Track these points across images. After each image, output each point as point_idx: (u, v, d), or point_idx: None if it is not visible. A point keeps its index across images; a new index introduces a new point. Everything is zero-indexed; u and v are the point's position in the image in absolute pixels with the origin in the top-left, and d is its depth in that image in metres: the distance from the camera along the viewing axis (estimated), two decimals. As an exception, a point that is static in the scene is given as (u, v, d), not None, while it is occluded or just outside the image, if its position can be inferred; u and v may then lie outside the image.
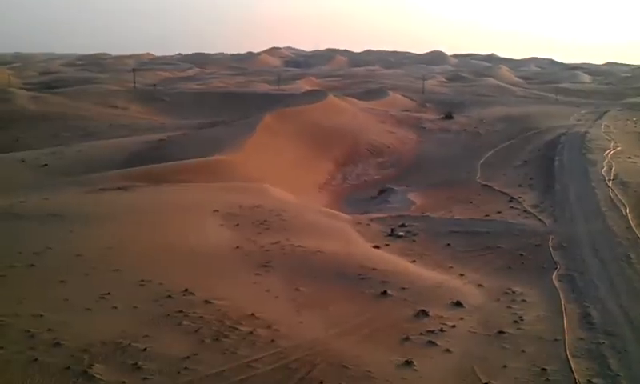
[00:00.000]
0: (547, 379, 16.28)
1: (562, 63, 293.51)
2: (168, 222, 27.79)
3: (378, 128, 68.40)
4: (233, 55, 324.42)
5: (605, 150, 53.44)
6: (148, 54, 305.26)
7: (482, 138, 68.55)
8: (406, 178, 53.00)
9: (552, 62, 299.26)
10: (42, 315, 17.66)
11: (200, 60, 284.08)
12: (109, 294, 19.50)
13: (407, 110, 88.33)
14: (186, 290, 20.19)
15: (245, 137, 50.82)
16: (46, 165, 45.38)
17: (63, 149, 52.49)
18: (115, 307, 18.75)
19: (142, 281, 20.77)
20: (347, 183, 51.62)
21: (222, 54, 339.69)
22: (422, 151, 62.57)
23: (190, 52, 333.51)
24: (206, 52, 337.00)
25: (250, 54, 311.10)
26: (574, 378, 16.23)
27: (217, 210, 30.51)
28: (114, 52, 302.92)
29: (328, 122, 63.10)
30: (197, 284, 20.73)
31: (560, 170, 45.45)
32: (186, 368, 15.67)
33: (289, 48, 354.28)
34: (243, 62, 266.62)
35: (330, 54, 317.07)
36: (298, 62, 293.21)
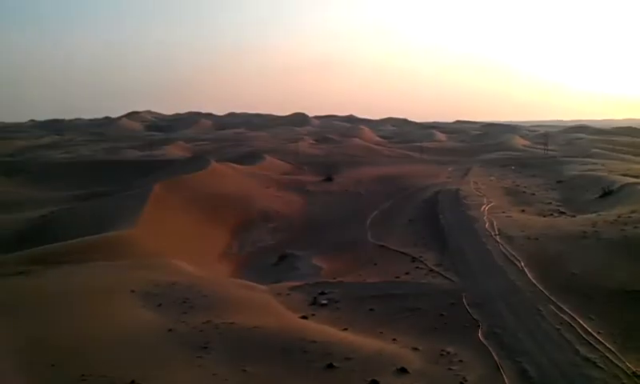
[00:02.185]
0: (509, 438, 17.23)
1: (415, 122, 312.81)
2: (88, 308, 26.43)
3: (265, 193, 69.07)
4: (90, 120, 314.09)
5: (480, 206, 57.48)
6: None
7: (364, 198, 71.18)
8: (300, 241, 53.69)
9: (406, 121, 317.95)
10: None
11: (56, 126, 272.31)
12: (52, 393, 18.25)
13: (287, 173, 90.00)
14: (133, 381, 19.34)
15: (137, 209, 49.35)
16: None
17: None
18: (63, 408, 17.56)
19: (83, 375, 19.63)
20: (245, 251, 51.46)
21: (79, 119, 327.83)
22: (310, 214, 63.81)
23: (43, 118, 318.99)
24: (60, 117, 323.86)
25: (109, 119, 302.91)
26: (532, 434, 17.30)
27: (133, 290, 29.41)
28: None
29: (216, 190, 62.88)
30: (141, 374, 19.95)
31: (448, 228, 48.17)
32: None
33: (149, 112, 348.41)
34: (102, 128, 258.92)
35: (193, 118, 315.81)
36: (160, 126, 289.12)
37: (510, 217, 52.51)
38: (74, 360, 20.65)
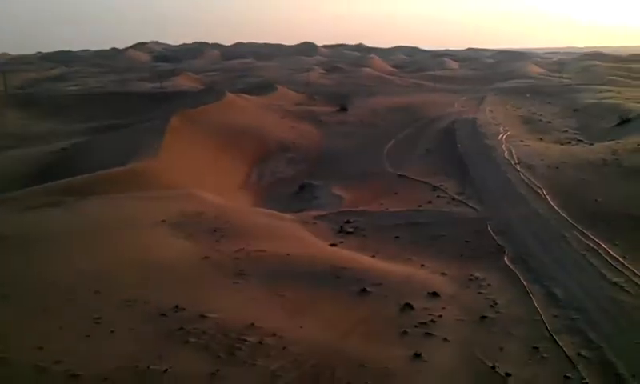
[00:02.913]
0: (542, 357, 17.91)
1: (426, 50, 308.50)
2: (121, 237, 26.97)
3: (281, 124, 68.98)
4: (97, 52, 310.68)
5: (497, 135, 57.46)
6: (4, 53, 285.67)
7: (379, 128, 71.01)
8: (318, 172, 53.94)
9: (417, 49, 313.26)
10: (42, 348, 16.96)
11: (63, 58, 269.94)
12: (100, 318, 18.98)
13: (300, 104, 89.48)
14: (177, 306, 20.02)
15: (156, 142, 49.53)
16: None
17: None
18: (113, 331, 18.31)
19: (128, 301, 20.31)
20: (264, 181, 51.89)
21: (86, 50, 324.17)
22: (327, 145, 63.83)
23: (50, 50, 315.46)
24: (67, 49, 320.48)
25: (116, 51, 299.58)
26: (565, 353, 17.96)
27: (164, 221, 29.95)
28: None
29: (232, 121, 62.83)
30: (184, 299, 20.59)
31: (467, 157, 48.35)
32: (214, 385, 15.74)
33: (156, 42, 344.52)
34: (109, 59, 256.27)
35: (200, 48, 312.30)
36: (167, 56, 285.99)
37: (528, 145, 52.55)
38: (116, 288, 21.28)
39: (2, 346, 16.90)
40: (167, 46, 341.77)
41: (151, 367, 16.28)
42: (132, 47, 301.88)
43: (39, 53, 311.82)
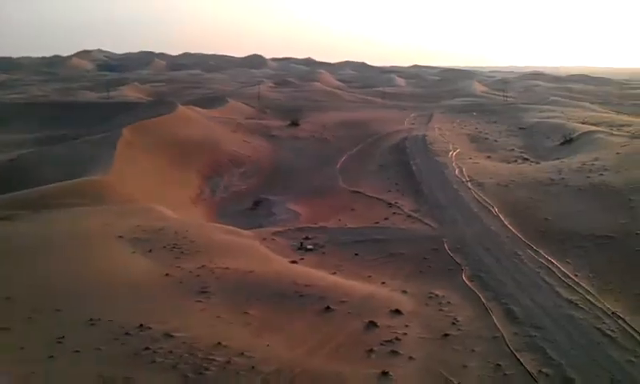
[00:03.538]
0: (504, 374, 18.46)
1: (373, 66, 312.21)
2: (81, 253, 26.52)
3: (233, 138, 68.73)
4: (40, 59, 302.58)
5: (447, 152, 58.70)
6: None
7: (331, 144, 71.54)
8: (271, 186, 54.06)
9: (364, 65, 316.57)
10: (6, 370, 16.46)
11: (3, 65, 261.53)
12: (63, 337, 18.64)
13: (251, 118, 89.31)
14: (141, 324, 19.80)
15: (108, 154, 48.70)
16: None
17: None
18: (77, 351, 17.98)
19: (91, 320, 19.98)
20: (218, 195, 51.55)
21: (27, 57, 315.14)
22: (279, 159, 63.96)
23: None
24: (7, 55, 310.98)
25: (58, 58, 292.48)
26: (527, 370, 18.54)
27: (121, 236, 29.50)
28: None
29: (184, 134, 62.21)
30: (148, 317, 20.38)
31: (419, 175, 49.27)
32: (185, 406, 15.59)
33: (100, 51, 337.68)
34: (52, 67, 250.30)
35: (146, 58, 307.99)
36: (112, 65, 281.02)
37: (478, 163, 53.88)
38: (78, 305, 20.90)
39: (-38, 368, 16.38)
40: (111, 55, 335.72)
41: (120, 389, 16.03)
42: (76, 55, 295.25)
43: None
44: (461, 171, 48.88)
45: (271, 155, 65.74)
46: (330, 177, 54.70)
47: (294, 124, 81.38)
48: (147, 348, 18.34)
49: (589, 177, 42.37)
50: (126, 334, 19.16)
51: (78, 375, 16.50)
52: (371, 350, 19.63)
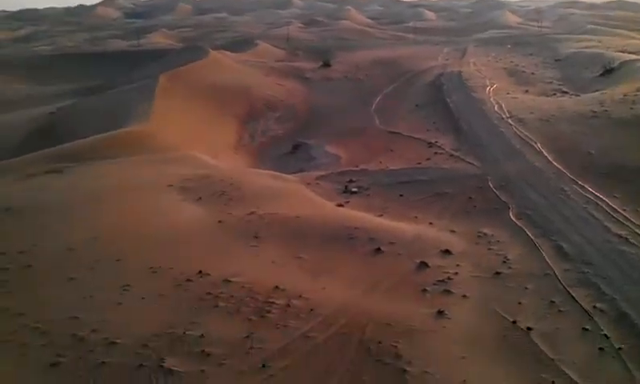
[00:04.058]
0: (559, 310, 18.73)
1: (401, 0, 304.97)
2: (131, 203, 27.23)
3: (266, 82, 68.55)
4: (64, 9, 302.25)
5: (484, 88, 57.84)
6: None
7: (365, 83, 70.99)
8: (308, 130, 54.15)
9: (393, 0, 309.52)
10: (77, 317, 17.39)
11: (30, 16, 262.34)
12: (129, 285, 19.37)
13: (281, 60, 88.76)
14: (200, 271, 20.46)
15: (147, 103, 49.18)
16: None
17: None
18: (143, 298, 18.78)
19: (152, 268, 20.69)
20: (256, 141, 51.89)
21: (53, 8, 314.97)
22: (314, 102, 63.75)
23: (14, 8, 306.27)
24: (33, 7, 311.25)
25: (83, 7, 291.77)
26: (581, 306, 18.78)
27: (170, 185, 30.11)
28: None
29: (219, 80, 62.26)
30: (206, 264, 21.03)
31: (458, 112, 48.76)
32: (252, 348, 16.33)
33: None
34: (77, 17, 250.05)
35: (171, 3, 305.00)
36: (139, 13, 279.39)
37: (516, 98, 53.02)
38: (137, 254, 21.62)
39: (37, 317, 17.28)
40: (137, 2, 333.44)
41: (187, 333, 16.78)
42: (101, 4, 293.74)
43: (4, 11, 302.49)
44: (500, 107, 48.23)
45: (305, 98, 65.56)
46: (366, 118, 54.48)
47: (326, 65, 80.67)
48: (209, 293, 19.04)
49: (632, 108, 41.55)
50: (188, 280, 19.87)
51: (148, 321, 17.23)
52: (425, 290, 20.04)
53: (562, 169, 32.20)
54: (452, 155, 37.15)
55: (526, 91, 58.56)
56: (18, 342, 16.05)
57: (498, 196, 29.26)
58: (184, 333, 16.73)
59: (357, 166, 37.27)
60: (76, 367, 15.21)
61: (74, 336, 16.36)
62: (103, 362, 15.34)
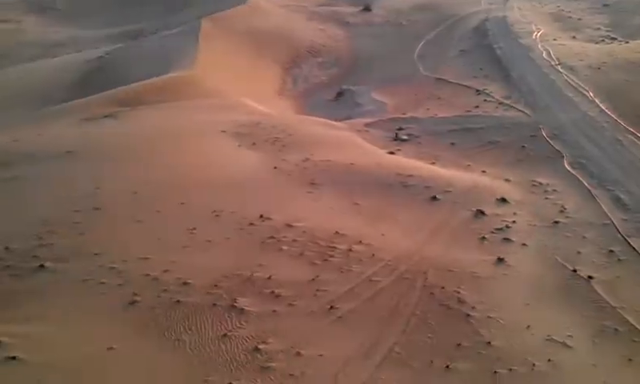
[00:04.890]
0: (619, 259, 18.90)
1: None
2: (188, 148, 27.60)
3: (308, 26, 67.87)
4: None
5: (531, 34, 56.52)
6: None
7: (407, 29, 69.72)
8: (352, 76, 53.83)
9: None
10: (147, 258, 18.01)
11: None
12: (195, 228, 19.94)
13: (322, 4, 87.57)
14: (262, 215, 20.92)
15: (191, 47, 49.28)
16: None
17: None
18: (209, 241, 19.30)
19: (214, 211, 21.19)
20: (300, 87, 51.85)
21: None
22: (356, 48, 63.07)
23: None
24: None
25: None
26: (640, 255, 18.91)
27: (224, 131, 30.49)
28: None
29: (260, 25, 61.88)
30: (266, 208, 21.45)
31: (505, 59, 47.92)
32: (319, 290, 16.87)
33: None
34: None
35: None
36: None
37: (564, 45, 51.80)
38: (199, 198, 22.16)
39: (112, 258, 17.98)
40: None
41: (254, 274, 17.35)
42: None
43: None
44: (548, 54, 47.23)
45: (347, 43, 64.83)
46: (411, 64, 53.83)
47: (367, 9, 79.40)
48: (272, 237, 19.57)
49: (685, 55, 40.50)
50: (250, 224, 20.39)
51: (216, 263, 17.87)
52: (483, 238, 20.32)
53: (616, 118, 31.73)
54: (502, 103, 36.74)
55: (574, 37, 57.13)
56: (97, 281, 16.79)
57: (551, 145, 29.08)
58: (252, 274, 17.31)
59: (404, 114, 37.16)
60: (153, 305, 15.92)
61: (148, 276, 17.03)
62: (178, 301, 16.02)
